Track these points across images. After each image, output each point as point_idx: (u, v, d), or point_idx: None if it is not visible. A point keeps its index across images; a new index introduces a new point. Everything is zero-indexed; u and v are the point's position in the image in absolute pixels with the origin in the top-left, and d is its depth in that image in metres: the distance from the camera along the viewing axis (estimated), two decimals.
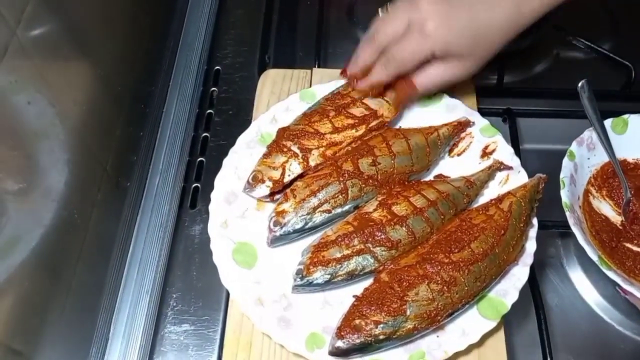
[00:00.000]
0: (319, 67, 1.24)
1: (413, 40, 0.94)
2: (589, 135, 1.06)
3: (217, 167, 1.02)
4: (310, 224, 0.94)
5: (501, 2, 0.92)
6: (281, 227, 0.94)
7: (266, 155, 1.00)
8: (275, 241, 0.95)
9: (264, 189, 0.97)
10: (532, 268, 0.94)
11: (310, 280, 0.90)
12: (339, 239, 0.91)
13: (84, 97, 0.92)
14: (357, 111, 1.03)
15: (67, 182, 0.86)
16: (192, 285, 1.05)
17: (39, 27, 0.78)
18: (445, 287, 0.87)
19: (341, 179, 0.95)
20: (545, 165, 1.04)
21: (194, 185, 1.16)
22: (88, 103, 0.92)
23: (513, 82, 1.28)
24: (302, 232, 0.95)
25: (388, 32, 0.96)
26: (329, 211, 0.95)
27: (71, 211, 0.87)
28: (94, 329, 0.96)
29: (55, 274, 0.84)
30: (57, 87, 0.83)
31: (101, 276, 0.99)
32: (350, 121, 1.02)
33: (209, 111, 1.25)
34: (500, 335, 0.92)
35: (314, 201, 0.94)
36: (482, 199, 1.01)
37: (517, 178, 1.02)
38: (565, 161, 1.02)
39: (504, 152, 1.04)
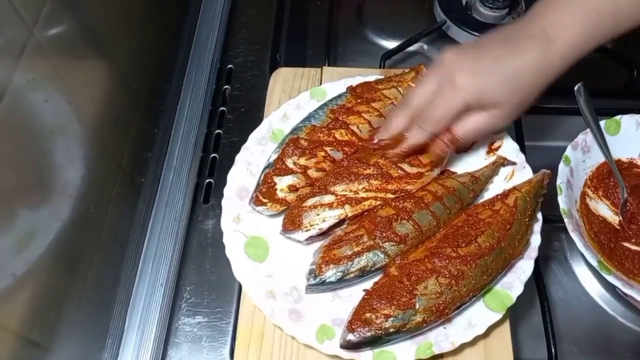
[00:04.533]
0: (328, 65, 1.23)
1: (445, 96, 0.88)
2: (583, 138, 1.06)
3: (230, 163, 1.01)
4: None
5: (527, 48, 0.87)
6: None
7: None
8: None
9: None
10: (536, 261, 0.93)
11: (323, 279, 0.89)
12: (349, 237, 0.91)
13: (100, 94, 0.91)
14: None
15: (83, 177, 0.85)
16: (205, 278, 1.05)
17: (56, 26, 0.78)
18: (453, 281, 0.86)
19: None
20: (549, 161, 1.03)
21: (207, 180, 1.16)
22: (104, 101, 0.92)
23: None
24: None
25: (420, 94, 0.91)
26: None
27: (87, 206, 0.86)
28: (109, 321, 0.96)
29: (72, 268, 0.84)
30: (74, 85, 0.83)
31: (117, 269, 0.99)
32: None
33: (221, 108, 1.25)
34: (506, 326, 0.92)
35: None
36: (488, 195, 1.01)
37: (522, 174, 1.01)
38: (561, 166, 1.02)
39: (510, 148, 1.03)
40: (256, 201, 0.96)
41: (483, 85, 0.87)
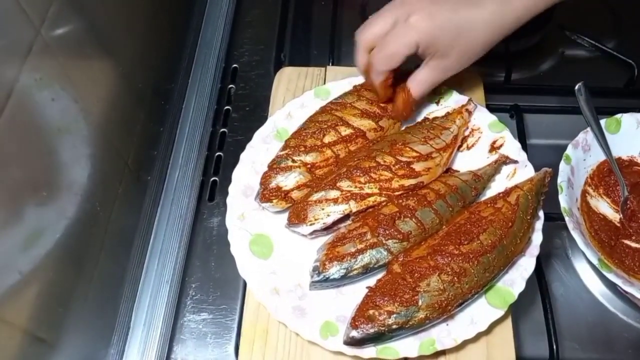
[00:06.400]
0: (333, 64, 1.23)
1: (398, 32, 0.91)
2: (584, 137, 1.05)
3: (235, 161, 1.01)
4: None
5: (485, 2, 0.90)
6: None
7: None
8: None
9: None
10: (538, 259, 0.93)
11: (327, 276, 0.88)
12: (352, 234, 0.91)
13: (106, 93, 0.91)
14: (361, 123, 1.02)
15: (89, 176, 0.85)
16: (210, 275, 1.05)
17: (62, 26, 0.78)
18: (455, 278, 0.86)
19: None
20: (551, 160, 1.03)
21: (212, 178, 1.15)
22: (110, 99, 0.92)
23: (520, 79, 1.27)
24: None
25: (375, 31, 0.94)
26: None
27: (94, 204, 0.86)
28: (115, 318, 0.96)
29: (79, 265, 0.84)
30: (81, 84, 0.82)
31: (123, 267, 0.99)
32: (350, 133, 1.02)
33: (226, 107, 1.24)
34: (508, 323, 0.92)
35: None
36: (491, 193, 1.00)
37: (524, 172, 1.00)
38: (562, 165, 1.01)
39: (512, 147, 1.03)
40: (262, 198, 0.95)
41: (435, 30, 0.90)
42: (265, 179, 0.97)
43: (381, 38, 0.93)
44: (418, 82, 0.97)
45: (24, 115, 0.69)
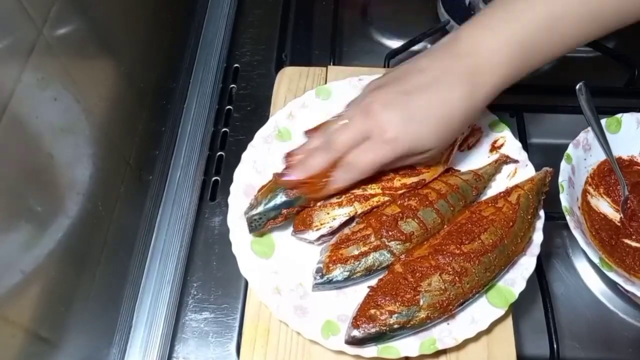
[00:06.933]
0: (334, 64, 1.23)
1: (376, 148, 0.84)
2: (584, 136, 1.05)
3: (236, 161, 1.00)
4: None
5: (455, 90, 0.83)
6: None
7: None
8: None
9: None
10: (539, 258, 0.92)
11: (330, 278, 0.88)
12: (356, 236, 0.90)
13: (108, 93, 0.90)
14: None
15: (91, 175, 0.85)
16: (212, 274, 1.04)
17: (65, 26, 0.77)
18: (456, 278, 0.85)
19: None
20: (551, 159, 1.02)
21: (213, 178, 1.15)
22: (112, 99, 0.91)
23: (521, 78, 1.26)
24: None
25: (345, 141, 0.85)
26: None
27: (96, 203, 0.86)
28: (117, 317, 0.95)
29: (81, 264, 0.83)
30: (83, 84, 0.82)
31: (124, 266, 0.98)
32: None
33: (228, 107, 1.24)
34: (509, 322, 0.91)
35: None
36: (491, 192, 1.00)
37: (525, 172, 1.00)
38: (563, 164, 1.01)
39: (512, 146, 1.03)
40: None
41: (416, 135, 0.84)
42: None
43: (352, 149, 0.86)
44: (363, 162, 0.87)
45: (26, 115, 0.69)
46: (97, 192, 0.86)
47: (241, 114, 1.23)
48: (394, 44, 1.32)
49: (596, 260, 0.92)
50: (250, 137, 1.03)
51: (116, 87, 0.94)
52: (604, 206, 1.05)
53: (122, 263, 0.98)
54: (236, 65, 1.31)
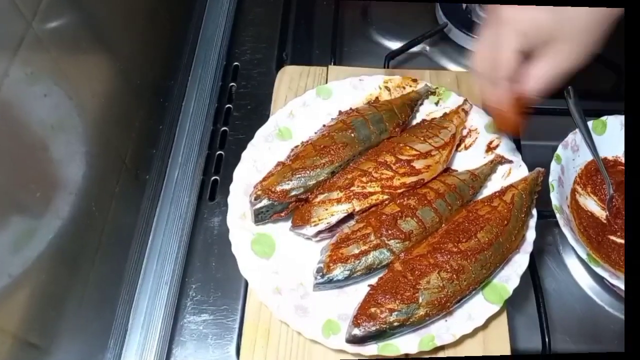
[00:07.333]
0: (334, 64, 1.23)
1: (500, 38, 0.79)
2: (573, 137, 1.09)
3: (236, 160, 1.00)
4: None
5: None
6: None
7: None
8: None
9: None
10: (531, 255, 0.96)
11: (331, 278, 0.89)
12: (356, 235, 0.92)
13: (103, 90, 0.88)
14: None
15: (85, 174, 0.82)
16: (211, 275, 1.03)
17: (56, 19, 0.75)
18: (454, 275, 0.88)
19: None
20: (544, 160, 1.05)
21: (213, 177, 1.14)
22: (107, 96, 0.89)
23: None
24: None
25: (480, 57, 0.83)
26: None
27: (89, 203, 0.84)
28: (112, 321, 0.93)
29: (74, 267, 0.81)
30: (75, 79, 0.80)
31: (120, 268, 0.96)
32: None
33: (227, 106, 1.23)
34: (503, 318, 0.94)
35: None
36: (487, 192, 1.03)
37: (519, 172, 1.04)
38: (553, 165, 1.04)
39: (507, 147, 1.06)
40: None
41: (534, 16, 0.77)
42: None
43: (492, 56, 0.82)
44: (534, 80, 0.82)
45: (14, 111, 0.67)
46: (90, 192, 0.84)
47: (241, 112, 1.22)
48: (394, 45, 1.33)
49: (584, 256, 0.96)
50: (250, 136, 1.03)
51: (111, 84, 0.91)
52: (591, 204, 1.10)
53: (117, 265, 0.96)
54: (236, 63, 1.30)
